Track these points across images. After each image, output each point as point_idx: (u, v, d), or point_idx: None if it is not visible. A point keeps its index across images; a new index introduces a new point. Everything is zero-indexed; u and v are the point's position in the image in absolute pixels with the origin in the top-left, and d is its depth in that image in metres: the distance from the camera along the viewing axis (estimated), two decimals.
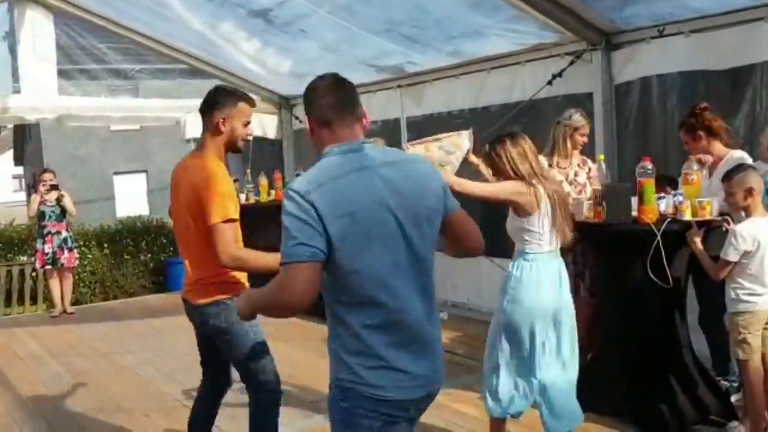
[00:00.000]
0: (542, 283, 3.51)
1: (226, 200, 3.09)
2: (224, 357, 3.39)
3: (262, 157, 9.56)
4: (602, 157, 4.56)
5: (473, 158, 4.02)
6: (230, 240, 3.06)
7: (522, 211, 3.55)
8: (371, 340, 2.12)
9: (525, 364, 3.58)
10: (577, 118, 4.70)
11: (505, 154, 3.56)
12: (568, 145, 4.71)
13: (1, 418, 4.88)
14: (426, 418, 4.30)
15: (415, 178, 2.26)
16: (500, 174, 3.63)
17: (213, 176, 3.13)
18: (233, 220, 3.09)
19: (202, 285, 3.24)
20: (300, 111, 9.45)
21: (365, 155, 2.21)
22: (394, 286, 2.14)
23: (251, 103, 3.29)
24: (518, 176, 3.55)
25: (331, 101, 2.29)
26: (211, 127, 3.20)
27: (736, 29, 4.83)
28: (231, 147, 3.26)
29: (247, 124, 3.27)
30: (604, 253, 4.27)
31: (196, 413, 3.57)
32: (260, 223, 8.31)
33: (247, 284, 3.28)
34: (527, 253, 3.56)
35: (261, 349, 3.31)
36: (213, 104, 3.20)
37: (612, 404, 4.14)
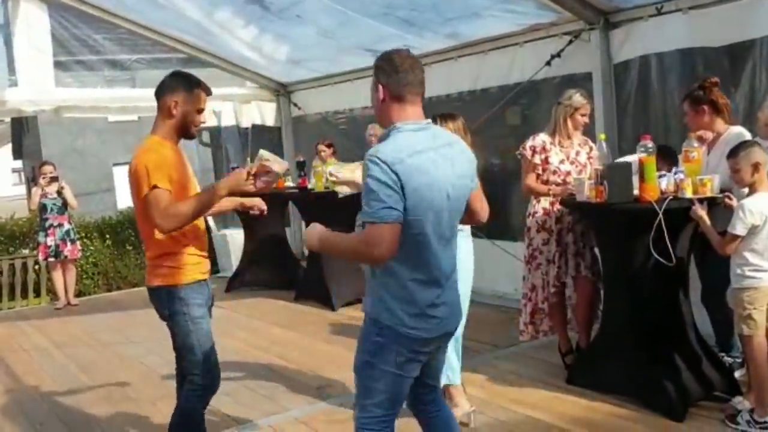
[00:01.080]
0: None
1: (152, 170, 3.08)
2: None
3: (261, 145, 9.50)
4: (603, 136, 4.54)
5: None
6: (161, 205, 3.06)
7: None
8: (416, 293, 2.55)
9: None
10: (578, 98, 4.68)
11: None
12: (569, 125, 4.68)
13: (9, 410, 4.90)
14: None
15: (465, 159, 2.66)
16: None
17: (142, 151, 3.18)
18: (160, 188, 3.07)
19: (150, 267, 3.31)
20: (298, 98, 9.44)
21: (433, 135, 2.60)
22: (438, 251, 2.56)
23: (207, 92, 3.35)
24: None
25: (410, 79, 2.58)
26: (163, 110, 3.26)
27: (735, 5, 4.79)
28: (183, 132, 3.32)
29: (200, 111, 3.33)
30: (606, 232, 4.27)
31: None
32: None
33: (194, 266, 3.33)
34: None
35: (199, 343, 3.34)
36: (166, 88, 3.27)
37: (616, 382, 4.16)
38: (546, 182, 4.62)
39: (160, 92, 3.28)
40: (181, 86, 3.27)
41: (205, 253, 3.46)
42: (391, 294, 2.55)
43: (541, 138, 4.68)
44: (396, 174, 2.40)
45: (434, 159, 2.51)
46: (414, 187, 2.42)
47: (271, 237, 8.32)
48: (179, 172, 3.26)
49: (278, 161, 3.26)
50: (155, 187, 3.06)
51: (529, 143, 4.69)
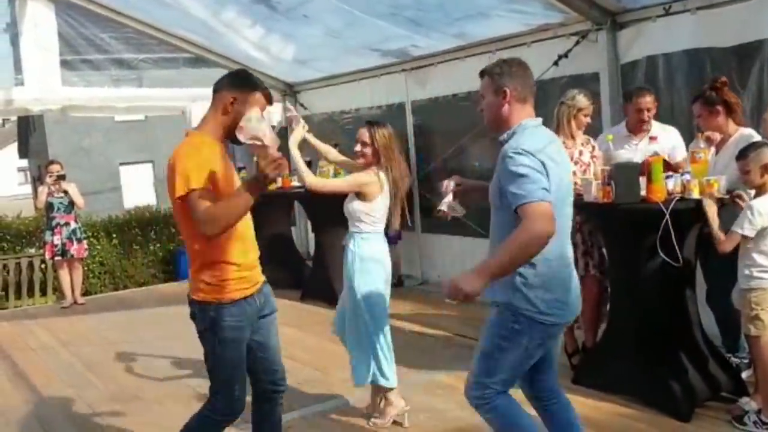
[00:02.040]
0: (382, 257, 4.09)
1: (192, 171, 2.80)
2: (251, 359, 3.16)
3: None
4: (610, 137, 4.54)
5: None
6: (200, 209, 2.77)
7: (365, 197, 4.02)
8: (551, 279, 2.77)
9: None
10: (581, 98, 4.67)
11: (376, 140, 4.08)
12: (573, 125, 4.68)
13: (17, 409, 4.92)
14: (441, 402, 4.37)
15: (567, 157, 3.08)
16: (363, 157, 4.11)
17: (183, 149, 2.90)
18: (198, 190, 2.78)
19: (192, 277, 3.04)
20: (304, 97, 9.46)
21: (547, 132, 2.91)
22: (566, 238, 2.87)
23: (269, 100, 3.08)
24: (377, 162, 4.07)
25: (530, 83, 2.89)
26: (218, 106, 2.98)
27: (743, 5, 4.79)
28: (230, 134, 2.94)
29: None
30: (614, 232, 4.27)
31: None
32: (267, 211, 8.36)
33: (235, 282, 2.98)
34: (364, 232, 4.05)
35: (224, 369, 3.06)
36: (227, 84, 3.01)
37: (623, 382, 4.16)
38: None
39: (220, 87, 3.01)
40: (244, 85, 3.00)
41: (251, 262, 3.10)
42: (529, 283, 2.74)
43: None
44: (540, 161, 2.65)
45: (558, 151, 2.82)
46: (552, 174, 2.67)
47: (277, 236, 8.33)
48: (223, 173, 2.93)
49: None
50: (193, 190, 2.79)
51: None
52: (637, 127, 4.59)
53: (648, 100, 4.53)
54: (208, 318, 2.99)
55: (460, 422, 4.11)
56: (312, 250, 9.43)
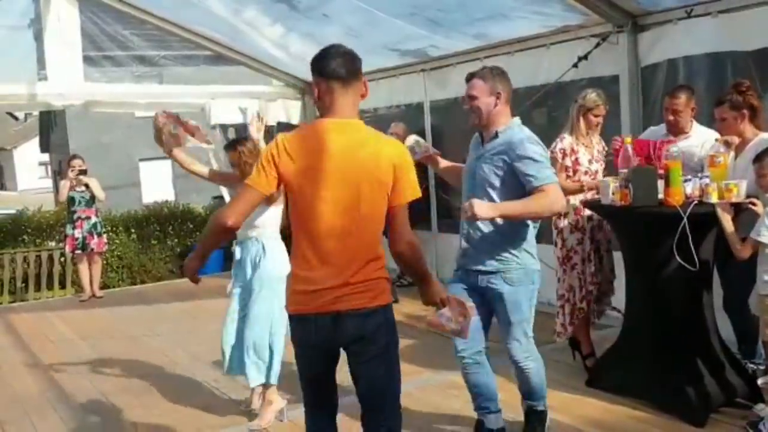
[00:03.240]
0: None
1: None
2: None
3: None
4: (629, 139, 4.51)
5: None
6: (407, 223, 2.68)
7: (272, 203, 4.18)
8: (533, 238, 3.58)
9: None
10: (591, 98, 4.64)
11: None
12: (582, 124, 4.67)
13: (35, 399, 4.99)
14: (454, 402, 4.38)
15: None
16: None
17: (392, 141, 2.81)
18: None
19: (370, 282, 2.64)
20: None
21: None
22: None
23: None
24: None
25: (511, 88, 3.48)
26: (361, 91, 2.74)
27: (765, 9, 4.75)
28: None
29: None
30: (631, 235, 4.26)
31: None
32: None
33: (293, 292, 2.73)
34: (275, 234, 4.32)
35: (302, 385, 2.88)
36: (360, 66, 2.75)
37: (637, 386, 4.15)
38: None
39: (357, 72, 2.73)
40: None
41: (314, 272, 2.63)
42: (527, 243, 3.49)
43: (568, 140, 4.67)
44: (544, 148, 3.45)
45: None
46: None
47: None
48: None
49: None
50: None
51: (558, 146, 4.66)
52: (668, 129, 4.54)
53: (677, 102, 4.38)
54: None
55: (473, 422, 4.10)
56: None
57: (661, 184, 3.98)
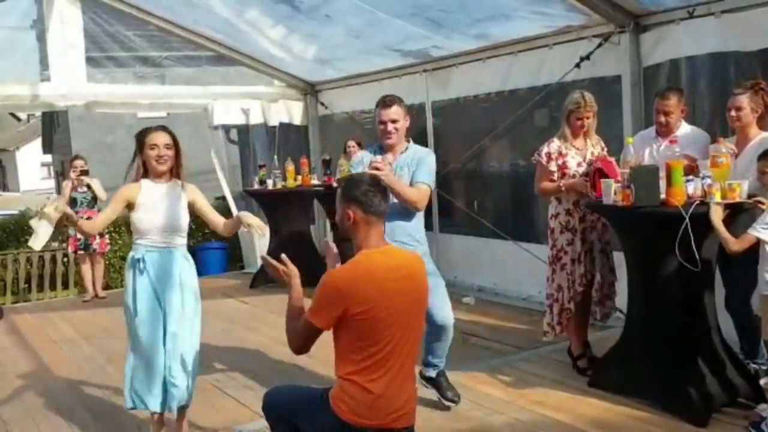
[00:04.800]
0: None
1: None
2: None
3: (288, 143, 9.63)
4: (630, 139, 4.51)
5: None
6: None
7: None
8: None
9: None
10: (572, 98, 4.63)
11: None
12: (565, 128, 4.68)
13: (38, 399, 5.00)
14: None
15: None
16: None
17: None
18: None
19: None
20: (325, 97, 9.49)
21: None
22: None
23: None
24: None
25: None
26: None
27: None
28: None
29: None
30: (632, 235, 4.26)
31: None
32: (286, 209, 8.43)
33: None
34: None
35: None
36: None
37: (639, 386, 4.15)
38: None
39: None
40: None
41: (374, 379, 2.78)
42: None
43: (556, 144, 4.67)
44: None
45: None
46: None
47: (296, 234, 8.37)
48: None
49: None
50: None
51: (545, 150, 4.68)
52: (658, 129, 4.55)
53: (668, 103, 4.40)
54: None
55: (474, 421, 4.13)
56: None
57: (662, 184, 3.98)
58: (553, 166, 4.62)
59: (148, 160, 3.85)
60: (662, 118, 4.44)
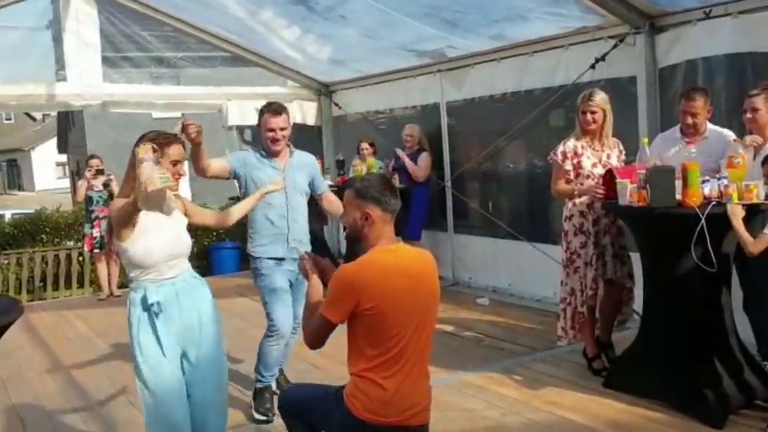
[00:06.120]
0: None
1: None
2: None
3: (301, 143, 9.58)
4: (646, 140, 4.51)
5: None
6: None
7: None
8: None
9: None
10: (582, 95, 4.66)
11: None
12: (577, 125, 4.68)
13: (54, 397, 5.04)
14: (469, 401, 4.39)
15: None
16: None
17: None
18: None
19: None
20: (338, 97, 9.51)
21: None
22: None
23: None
24: None
25: None
26: None
27: None
28: None
29: None
30: (648, 236, 4.24)
31: None
32: None
33: None
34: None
35: None
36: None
37: (655, 387, 4.13)
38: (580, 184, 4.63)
39: None
40: None
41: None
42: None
43: (572, 143, 4.66)
44: None
45: None
46: None
47: (310, 234, 8.36)
48: None
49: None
50: None
51: (560, 149, 4.68)
52: (684, 131, 4.51)
53: (695, 104, 4.36)
54: None
55: (489, 421, 4.13)
56: (343, 249, 9.49)
57: (678, 185, 3.96)
58: (568, 165, 4.61)
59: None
60: (690, 120, 4.40)
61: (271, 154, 4.35)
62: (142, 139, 3.10)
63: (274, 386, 4.49)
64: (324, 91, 9.63)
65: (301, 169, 4.42)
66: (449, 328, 6.07)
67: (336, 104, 9.55)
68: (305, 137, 9.70)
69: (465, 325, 6.21)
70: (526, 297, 6.92)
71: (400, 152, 7.45)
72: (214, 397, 3.30)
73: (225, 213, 3.81)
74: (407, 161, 7.37)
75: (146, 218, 3.06)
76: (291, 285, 4.43)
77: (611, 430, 3.88)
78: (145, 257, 3.08)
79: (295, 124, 9.47)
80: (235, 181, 4.44)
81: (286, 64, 9.03)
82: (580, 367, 4.86)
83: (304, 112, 9.55)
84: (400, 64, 7.95)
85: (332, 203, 4.56)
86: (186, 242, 3.27)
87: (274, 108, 4.31)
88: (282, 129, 4.28)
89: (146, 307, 3.11)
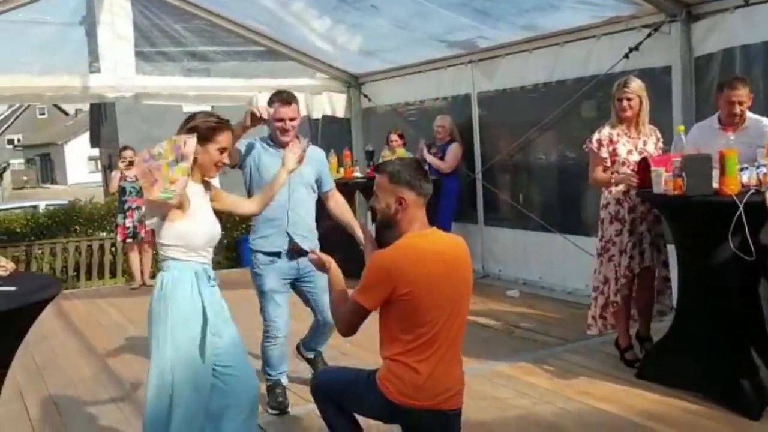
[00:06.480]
0: None
1: None
2: None
3: (331, 136, 9.65)
4: (681, 128, 4.44)
5: None
6: None
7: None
8: None
9: None
10: (617, 83, 4.62)
11: None
12: (613, 113, 4.62)
13: (88, 382, 5.11)
14: (500, 390, 4.37)
15: None
16: None
17: None
18: None
19: None
20: (368, 89, 9.50)
21: None
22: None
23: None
24: None
25: None
26: None
27: None
28: None
29: None
30: (684, 225, 4.18)
31: None
32: None
33: None
34: None
35: None
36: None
37: (690, 378, 4.08)
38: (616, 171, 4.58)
39: None
40: None
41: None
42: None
43: (607, 130, 4.62)
44: None
45: None
46: None
47: (338, 227, 8.36)
48: None
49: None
50: None
51: (595, 137, 4.64)
52: (728, 121, 4.42)
53: (740, 93, 4.27)
54: None
55: (519, 410, 4.10)
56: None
57: (715, 174, 3.90)
58: (604, 153, 4.56)
59: (209, 159, 3.07)
60: (737, 109, 4.30)
61: (278, 145, 4.12)
62: (192, 119, 3.05)
63: (284, 381, 4.42)
64: (353, 83, 9.63)
65: (309, 162, 4.07)
66: (479, 319, 6.04)
67: (365, 96, 9.54)
68: (334, 129, 9.73)
69: (495, 316, 6.18)
70: (556, 289, 6.86)
71: (422, 145, 7.48)
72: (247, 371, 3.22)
73: (251, 199, 3.69)
74: (429, 158, 7.36)
75: (194, 200, 3.02)
76: (297, 281, 4.27)
77: (646, 420, 3.83)
78: (193, 238, 3.03)
79: (324, 117, 9.57)
80: (240, 172, 4.21)
81: (316, 56, 9.04)
82: (613, 358, 4.81)
83: (333, 104, 9.56)
84: (432, 55, 7.93)
85: (339, 204, 4.41)
86: (219, 230, 3.23)
87: (284, 97, 4.10)
88: (291, 119, 4.09)
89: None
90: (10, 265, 3.13)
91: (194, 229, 3.04)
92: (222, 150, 3.07)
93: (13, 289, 2.85)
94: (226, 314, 3.22)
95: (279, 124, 4.07)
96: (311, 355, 4.68)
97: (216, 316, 3.10)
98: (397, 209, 2.83)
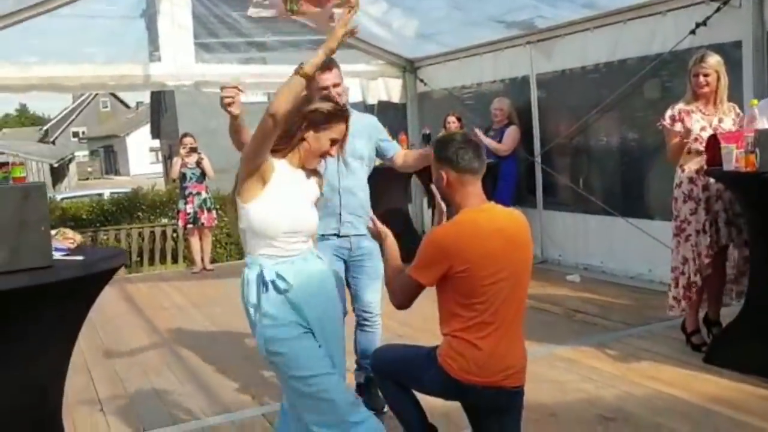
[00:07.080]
0: None
1: None
2: None
3: (386, 120, 9.59)
4: (756, 101, 4.26)
5: None
6: None
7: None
8: None
9: None
10: (694, 57, 4.45)
11: None
12: (688, 89, 4.47)
13: (152, 360, 5.23)
14: (562, 373, 4.29)
15: None
16: None
17: None
18: None
19: None
20: (424, 73, 9.43)
21: None
22: None
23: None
24: None
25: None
26: None
27: None
28: None
29: None
30: (756, 203, 4.02)
31: None
32: (384, 186, 8.43)
33: None
34: None
35: None
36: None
37: (762, 363, 3.93)
38: (689, 151, 4.41)
39: None
40: None
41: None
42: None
43: (678, 106, 4.49)
44: None
45: None
46: None
47: (394, 212, 8.37)
48: None
49: None
50: None
51: (668, 113, 4.52)
52: None
53: None
54: None
55: (581, 393, 4.02)
56: (427, 227, 9.45)
57: None
58: (678, 127, 4.42)
59: (318, 147, 2.83)
60: None
61: None
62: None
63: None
64: (409, 68, 9.57)
65: (360, 133, 3.68)
66: (539, 303, 5.94)
67: (421, 80, 9.47)
68: (389, 115, 9.69)
69: (555, 300, 6.07)
70: (618, 274, 6.71)
71: (477, 131, 7.36)
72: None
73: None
74: (485, 140, 7.23)
75: (278, 179, 2.76)
76: (346, 262, 3.86)
77: (716, 405, 3.71)
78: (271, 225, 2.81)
79: (379, 102, 9.54)
80: None
81: (372, 41, 9.00)
82: (678, 343, 4.67)
83: (388, 89, 9.53)
84: (489, 37, 7.80)
85: (407, 156, 4.06)
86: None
87: (327, 64, 3.41)
88: (336, 85, 3.60)
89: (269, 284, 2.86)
90: (78, 237, 3.22)
91: (273, 212, 2.82)
92: (333, 141, 2.83)
93: (80, 258, 2.92)
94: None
95: (323, 93, 3.52)
96: (361, 379, 4.05)
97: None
98: (443, 186, 2.82)
